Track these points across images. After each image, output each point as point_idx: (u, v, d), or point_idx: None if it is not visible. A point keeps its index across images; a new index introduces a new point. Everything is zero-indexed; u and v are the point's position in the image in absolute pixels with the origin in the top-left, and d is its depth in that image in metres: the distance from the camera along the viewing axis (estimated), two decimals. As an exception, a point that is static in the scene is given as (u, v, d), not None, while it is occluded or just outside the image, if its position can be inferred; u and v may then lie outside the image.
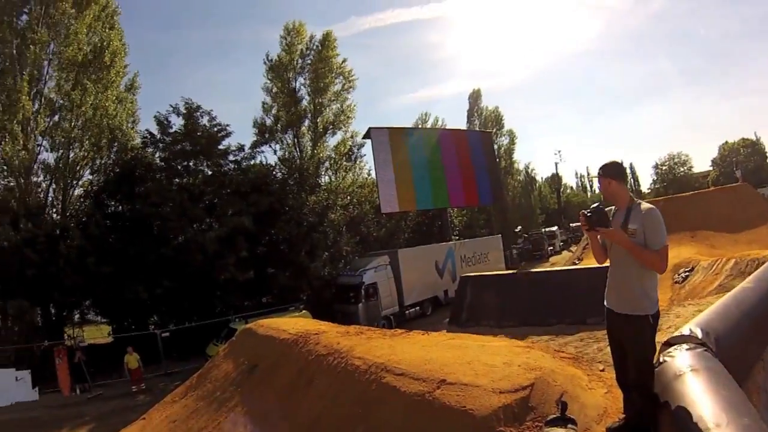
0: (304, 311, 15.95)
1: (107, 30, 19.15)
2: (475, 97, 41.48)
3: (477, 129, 37.96)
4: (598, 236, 2.90)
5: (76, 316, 18.90)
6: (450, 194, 24.85)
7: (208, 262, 17.26)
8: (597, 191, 57.49)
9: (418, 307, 19.84)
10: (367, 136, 22.99)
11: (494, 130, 38.83)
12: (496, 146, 35.72)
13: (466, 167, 25.45)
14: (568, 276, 11.02)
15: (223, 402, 5.88)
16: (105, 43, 18.72)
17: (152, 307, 18.00)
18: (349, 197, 23.89)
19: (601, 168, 2.87)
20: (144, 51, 56.17)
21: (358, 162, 26.43)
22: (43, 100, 17.73)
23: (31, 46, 16.70)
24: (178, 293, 17.23)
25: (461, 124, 41.20)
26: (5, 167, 16.82)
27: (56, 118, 18.11)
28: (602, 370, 3.83)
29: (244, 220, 17.94)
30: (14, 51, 16.79)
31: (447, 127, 34.12)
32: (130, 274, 16.60)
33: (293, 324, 6.87)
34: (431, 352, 4.17)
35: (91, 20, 18.50)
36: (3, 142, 16.40)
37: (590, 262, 11.03)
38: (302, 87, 24.72)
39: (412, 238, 26.23)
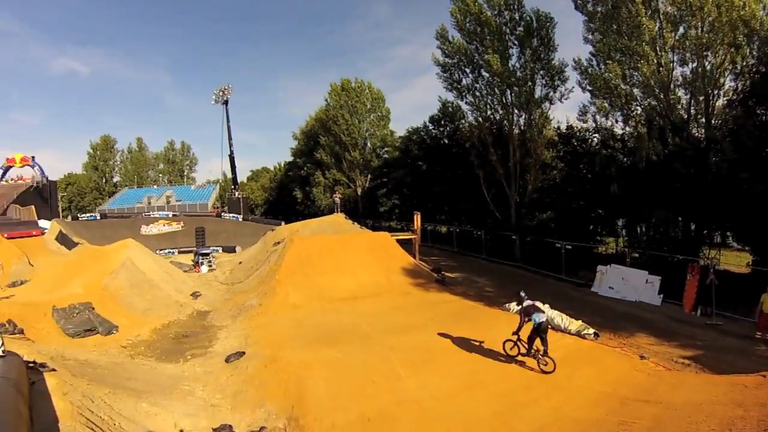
0: None
1: None
2: None
3: None
4: None
5: (717, 237, 17.90)
6: None
7: None
8: None
9: None
10: None
11: None
12: None
13: None
14: None
15: None
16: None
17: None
18: None
19: None
20: None
21: None
22: (661, 16, 17.52)
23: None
24: None
25: None
26: (644, 89, 18.03)
27: (680, 30, 17.50)
28: None
29: None
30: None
31: None
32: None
33: None
34: None
35: None
36: (639, 65, 17.42)
37: None
38: None
39: None
